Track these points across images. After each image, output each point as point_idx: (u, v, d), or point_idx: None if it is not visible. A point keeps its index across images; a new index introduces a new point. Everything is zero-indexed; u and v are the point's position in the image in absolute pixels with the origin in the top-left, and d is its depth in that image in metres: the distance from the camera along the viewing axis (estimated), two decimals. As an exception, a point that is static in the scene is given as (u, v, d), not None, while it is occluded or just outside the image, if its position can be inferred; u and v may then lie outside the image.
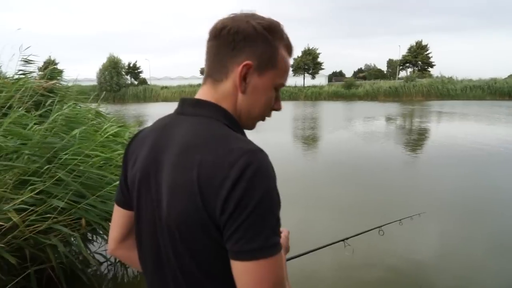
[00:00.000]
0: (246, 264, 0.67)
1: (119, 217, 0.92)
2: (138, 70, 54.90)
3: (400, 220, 2.40)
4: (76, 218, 2.56)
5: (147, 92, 47.07)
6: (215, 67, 0.79)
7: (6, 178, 2.54)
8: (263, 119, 0.87)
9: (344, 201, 5.92)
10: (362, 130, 15.57)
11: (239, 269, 0.68)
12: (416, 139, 12.82)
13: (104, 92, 6.60)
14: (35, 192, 2.37)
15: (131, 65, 53.53)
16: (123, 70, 49.48)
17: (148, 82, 53.59)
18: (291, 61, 0.86)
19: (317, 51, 53.46)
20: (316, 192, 6.51)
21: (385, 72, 72.80)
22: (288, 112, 26.51)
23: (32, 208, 2.33)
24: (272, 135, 14.33)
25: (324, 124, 19.26)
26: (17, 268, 2.31)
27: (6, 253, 2.24)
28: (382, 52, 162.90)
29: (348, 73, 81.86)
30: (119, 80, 46.93)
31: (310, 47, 53.41)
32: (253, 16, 0.79)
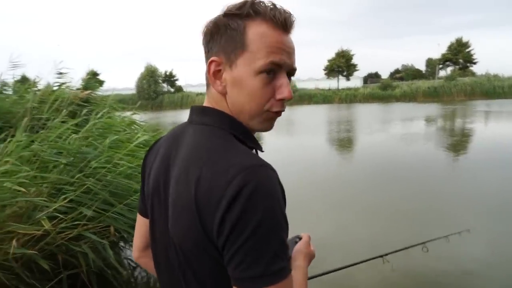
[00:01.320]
0: None
1: (141, 225, 0.92)
2: (174, 78, 56.35)
3: (446, 236, 2.22)
4: (106, 226, 2.61)
5: (183, 99, 48.26)
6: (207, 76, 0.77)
7: (42, 187, 2.64)
8: (276, 114, 0.75)
9: (383, 209, 5.66)
10: (400, 132, 14.99)
11: None
12: (460, 141, 12.14)
13: (139, 101, 6.81)
14: (67, 200, 2.44)
15: (167, 73, 55.09)
16: (160, 78, 51.06)
17: (184, 89, 54.91)
18: (282, 36, 0.71)
19: (351, 53, 52.45)
20: (353, 198, 6.30)
21: (423, 72, 69.94)
22: (322, 116, 26.15)
23: (62, 216, 2.40)
24: (306, 139, 14.18)
25: (360, 126, 18.76)
26: (50, 274, 2.38)
27: (40, 259, 2.32)
28: (420, 52, 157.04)
29: (385, 74, 79.44)
30: (156, 88, 48.44)
31: (344, 49, 52.50)
32: (227, 5, 0.73)
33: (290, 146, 13.00)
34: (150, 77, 48.10)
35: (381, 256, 1.80)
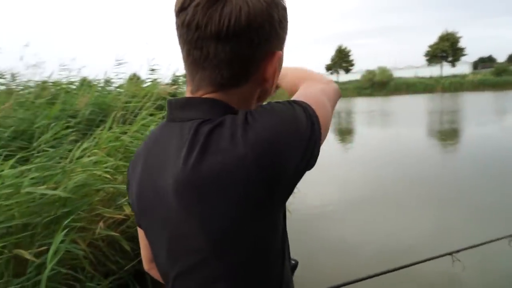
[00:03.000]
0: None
1: (142, 237, 0.80)
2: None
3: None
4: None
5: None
6: (228, 76, 0.60)
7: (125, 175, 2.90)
8: None
9: (487, 210, 4.96)
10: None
11: None
12: None
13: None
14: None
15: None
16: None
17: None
18: None
19: (457, 35, 47.00)
20: (452, 195, 5.69)
21: (554, 52, 58.99)
22: (421, 105, 24.06)
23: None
24: (403, 131, 13.18)
25: (467, 117, 16.73)
26: (131, 254, 2.60)
27: (123, 240, 2.55)
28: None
29: (501, 58, 69.31)
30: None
31: (449, 31, 47.30)
32: None
33: (385, 138, 12.22)
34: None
35: (449, 254, 1.57)
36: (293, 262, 0.80)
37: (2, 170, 2.33)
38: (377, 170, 7.71)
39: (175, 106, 0.64)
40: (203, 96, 0.62)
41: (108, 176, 2.61)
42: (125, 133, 3.36)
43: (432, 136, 12.20)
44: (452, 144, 10.53)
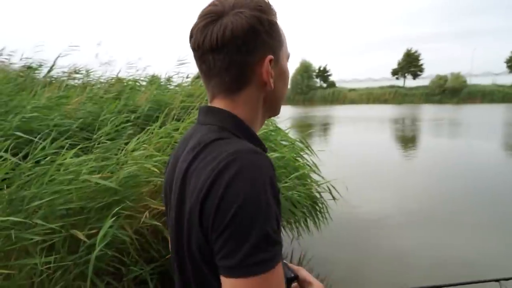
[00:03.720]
0: (228, 281, 0.60)
1: None
2: (328, 73, 56.49)
3: None
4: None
5: (334, 95, 47.94)
6: (229, 81, 0.72)
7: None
8: None
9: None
10: None
11: (224, 284, 0.61)
12: None
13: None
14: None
15: (321, 68, 55.66)
16: (314, 73, 52.01)
17: (336, 85, 54.45)
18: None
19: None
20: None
21: None
22: (498, 116, 21.98)
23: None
24: (476, 142, 12.20)
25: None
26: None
27: (165, 230, 2.71)
28: None
29: None
30: (309, 82, 49.61)
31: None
32: (232, 3, 0.70)
33: (452, 149, 11.41)
34: (304, 72, 49.51)
35: (497, 280, 1.46)
36: (292, 275, 0.81)
37: (65, 158, 2.59)
38: (440, 182, 7.28)
39: (202, 112, 0.78)
40: (218, 106, 0.74)
41: (156, 169, 2.79)
42: (177, 129, 3.55)
43: (508, 151, 11.12)
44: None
